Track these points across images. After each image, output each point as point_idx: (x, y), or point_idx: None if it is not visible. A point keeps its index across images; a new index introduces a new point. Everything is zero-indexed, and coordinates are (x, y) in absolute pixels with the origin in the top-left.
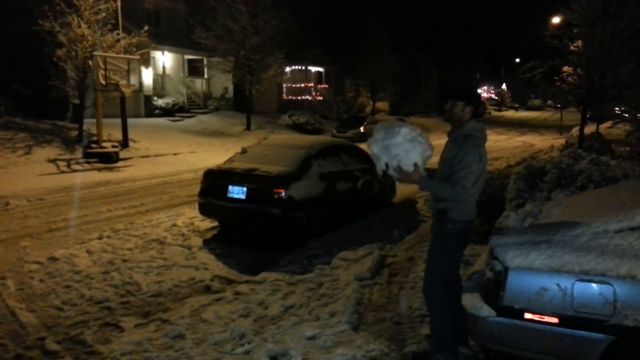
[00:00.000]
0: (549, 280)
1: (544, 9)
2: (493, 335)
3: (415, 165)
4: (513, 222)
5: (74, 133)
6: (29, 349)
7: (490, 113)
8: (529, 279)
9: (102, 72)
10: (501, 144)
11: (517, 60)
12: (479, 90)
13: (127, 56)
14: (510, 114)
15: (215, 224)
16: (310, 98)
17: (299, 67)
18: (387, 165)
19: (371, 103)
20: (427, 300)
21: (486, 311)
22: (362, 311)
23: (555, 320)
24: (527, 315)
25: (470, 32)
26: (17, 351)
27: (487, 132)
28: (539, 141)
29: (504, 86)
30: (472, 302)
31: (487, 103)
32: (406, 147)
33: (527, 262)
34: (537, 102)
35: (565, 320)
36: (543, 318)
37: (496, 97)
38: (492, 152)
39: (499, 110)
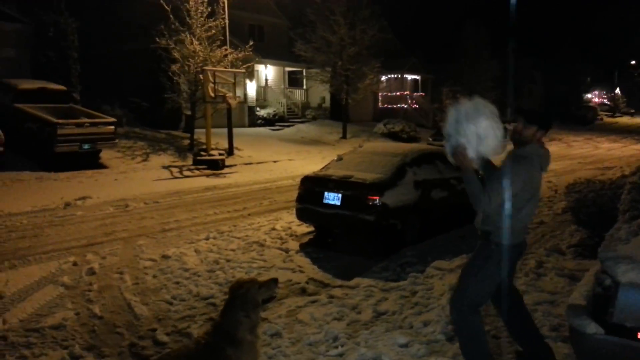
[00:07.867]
0: None
1: None
2: (600, 354)
3: (470, 151)
4: (625, 234)
5: (186, 142)
6: (142, 339)
7: (602, 119)
8: None
9: (211, 85)
10: (615, 152)
11: (632, 62)
12: (589, 95)
13: (234, 70)
14: (625, 120)
15: (312, 228)
16: (405, 106)
17: (395, 76)
18: (449, 135)
19: None
20: (453, 318)
21: (593, 328)
22: None
23: None
24: None
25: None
26: (131, 340)
27: (600, 139)
28: None
29: (617, 90)
30: (578, 318)
31: (599, 109)
32: (471, 133)
33: None
34: None
35: None
36: None
37: (609, 103)
38: (604, 161)
39: (612, 117)
